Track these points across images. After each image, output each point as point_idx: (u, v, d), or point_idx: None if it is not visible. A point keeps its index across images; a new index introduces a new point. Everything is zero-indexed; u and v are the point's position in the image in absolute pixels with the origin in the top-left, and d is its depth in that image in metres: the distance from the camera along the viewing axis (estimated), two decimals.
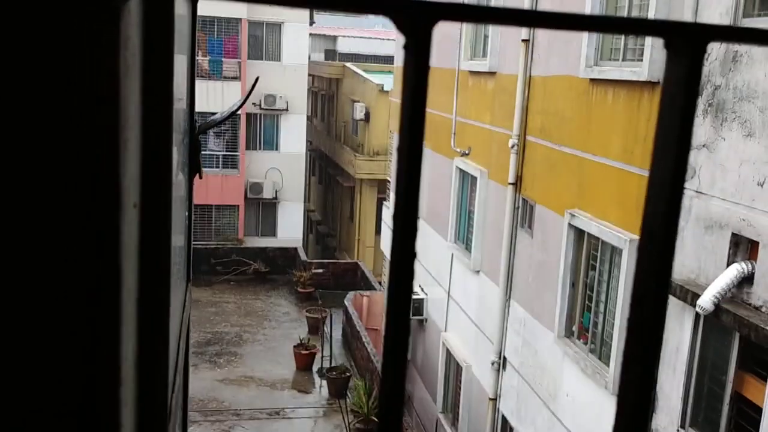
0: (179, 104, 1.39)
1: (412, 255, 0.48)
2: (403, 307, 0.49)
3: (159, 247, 0.69)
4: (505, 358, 10.41)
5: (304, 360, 16.86)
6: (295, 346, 17.08)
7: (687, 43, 0.48)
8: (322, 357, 16.72)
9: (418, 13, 0.44)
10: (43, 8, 0.39)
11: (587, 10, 8.14)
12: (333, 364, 16.46)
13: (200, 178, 1.68)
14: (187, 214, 1.59)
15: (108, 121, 0.41)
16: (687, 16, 6.49)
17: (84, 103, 0.40)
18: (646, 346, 0.51)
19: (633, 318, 0.53)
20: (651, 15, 7.00)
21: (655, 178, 0.51)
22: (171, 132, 0.73)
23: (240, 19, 24.26)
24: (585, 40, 8.19)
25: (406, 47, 0.45)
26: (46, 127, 0.40)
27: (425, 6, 0.44)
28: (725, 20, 6.05)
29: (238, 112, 24.25)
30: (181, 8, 1.14)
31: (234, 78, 24.24)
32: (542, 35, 9.47)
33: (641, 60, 7.28)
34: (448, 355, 12.61)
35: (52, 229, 0.41)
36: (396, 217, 0.47)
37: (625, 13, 7.73)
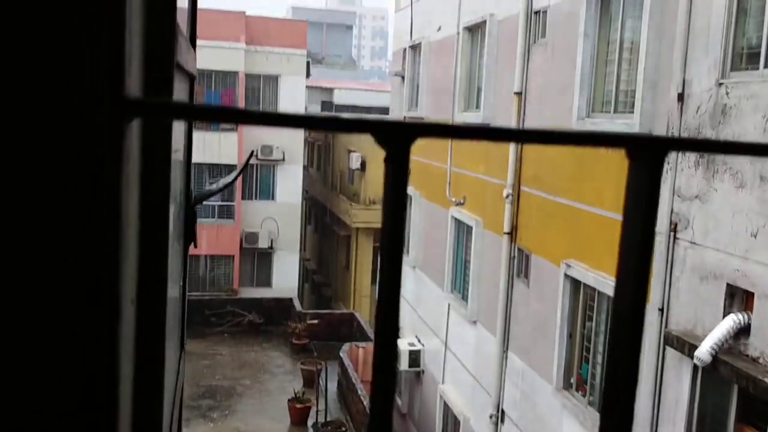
0: (177, 175, 1.43)
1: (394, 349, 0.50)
2: (390, 359, 0.51)
3: (154, 341, 0.72)
4: (503, 411, 10.27)
5: (299, 414, 16.58)
6: (289, 400, 16.82)
7: (647, 154, 0.52)
8: (317, 411, 16.45)
9: (397, 132, 0.48)
10: (51, 128, 0.43)
11: (578, 67, 8.32)
12: (328, 419, 16.18)
13: (195, 247, 1.71)
14: (181, 284, 1.62)
15: (109, 233, 0.44)
16: (676, 70, 6.65)
17: (85, 221, 0.43)
18: (621, 396, 0.53)
19: (609, 368, 0.55)
20: (641, 69, 7.16)
21: (621, 275, 0.54)
22: (167, 230, 0.77)
23: (237, 72, 24.67)
24: (577, 91, 8.36)
25: (386, 160, 0.49)
26: (55, 243, 0.43)
27: (403, 126, 0.48)
28: (713, 74, 6.19)
29: (235, 164, 24.42)
30: (179, 92, 1.19)
31: (231, 129, 24.50)
32: (534, 87, 9.66)
33: (632, 112, 7.41)
34: (446, 408, 12.44)
35: (50, 330, 0.44)
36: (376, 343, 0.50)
37: (614, 69, 7.91)
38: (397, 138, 0.47)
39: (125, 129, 0.44)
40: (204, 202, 26.55)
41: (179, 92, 1.16)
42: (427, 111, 13.82)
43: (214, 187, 3.20)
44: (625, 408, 0.53)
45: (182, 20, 1.37)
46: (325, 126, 0.50)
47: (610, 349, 0.54)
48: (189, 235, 1.60)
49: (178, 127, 1.34)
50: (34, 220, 0.42)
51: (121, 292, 0.47)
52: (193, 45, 1.60)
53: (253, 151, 4.68)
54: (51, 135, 0.41)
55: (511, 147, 9.99)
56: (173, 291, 1.30)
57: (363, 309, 24.17)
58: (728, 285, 5.85)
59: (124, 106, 0.42)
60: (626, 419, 0.53)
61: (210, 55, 23.79)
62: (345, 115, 0.46)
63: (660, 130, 6.73)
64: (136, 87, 0.61)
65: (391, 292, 0.50)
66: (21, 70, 0.41)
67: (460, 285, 12.27)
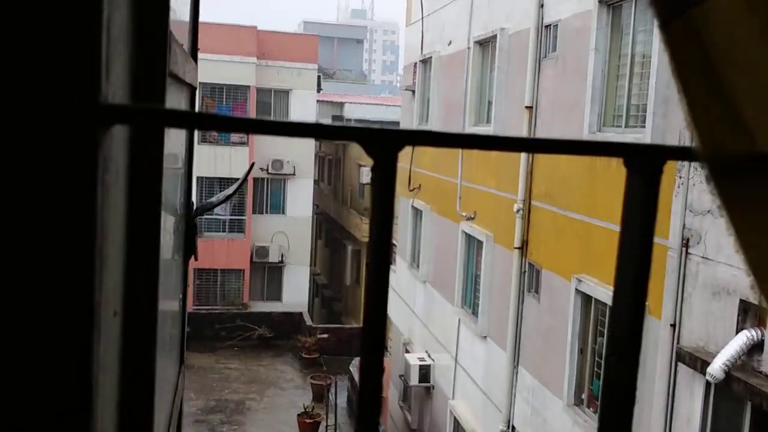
0: (177, 186, 1.43)
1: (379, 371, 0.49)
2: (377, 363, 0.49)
3: (144, 353, 0.70)
4: (513, 427, 10.17)
5: (309, 429, 16.50)
6: (299, 415, 16.75)
7: (644, 163, 0.50)
8: (327, 426, 16.37)
9: (384, 140, 0.46)
10: (21, 132, 0.42)
11: (589, 81, 8.30)
12: None
13: (195, 260, 1.70)
14: (181, 296, 1.61)
15: (82, 241, 0.43)
16: None
17: (57, 224, 0.42)
18: (619, 403, 0.51)
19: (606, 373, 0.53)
20: (652, 83, 7.14)
21: (618, 289, 0.52)
22: (158, 241, 0.76)
23: (249, 86, 24.83)
24: (588, 106, 8.33)
25: (373, 169, 0.48)
26: (25, 250, 0.42)
27: (390, 134, 0.47)
28: None
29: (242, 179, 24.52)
30: (175, 101, 1.19)
31: (242, 143, 24.63)
32: (545, 101, 9.65)
33: (644, 126, 7.38)
34: (456, 423, 12.33)
35: (21, 344, 0.43)
36: (363, 341, 0.48)
37: (626, 83, 7.88)
38: (383, 146, 0.46)
39: (102, 135, 0.43)
40: (215, 217, 26.64)
41: (175, 102, 1.15)
42: (438, 125, 13.83)
43: (214, 199, 3.20)
44: (624, 417, 0.51)
45: (182, 32, 1.37)
46: (309, 134, 0.49)
47: (606, 360, 0.52)
48: (189, 248, 1.59)
49: (178, 139, 1.34)
50: (2, 227, 0.41)
51: (99, 303, 0.45)
52: (195, 57, 1.60)
53: (253, 163, 4.70)
54: (21, 139, 0.40)
55: (522, 161, 9.96)
56: (170, 304, 1.29)
57: None
58: (741, 301, 5.77)
59: (99, 112, 0.41)
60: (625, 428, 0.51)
61: (221, 69, 23.99)
62: (328, 122, 0.45)
63: (673, 143, 6.69)
64: (122, 94, 0.60)
65: (378, 302, 0.48)
66: None
67: (470, 300, 12.20)
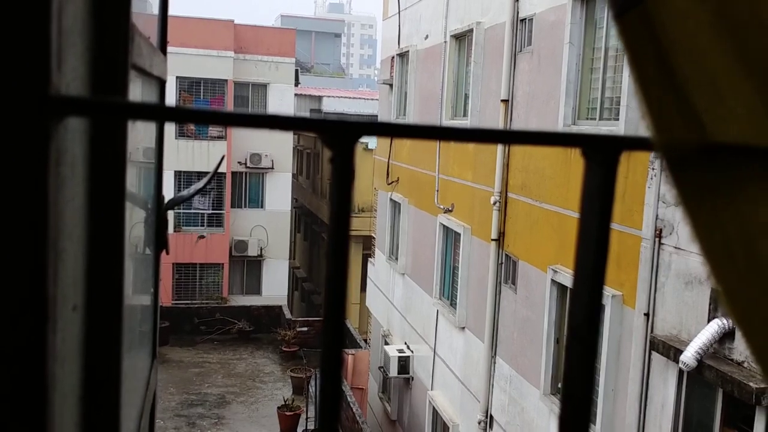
0: (146, 178, 1.41)
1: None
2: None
3: (108, 348, 0.70)
4: (491, 417, 10.26)
5: (289, 422, 16.49)
6: (279, 407, 16.74)
7: (601, 152, 0.51)
8: (307, 418, 16.38)
9: (340, 131, 0.46)
10: None
11: (563, 75, 8.36)
12: (318, 426, 16.10)
13: (167, 254, 1.69)
14: (153, 290, 1.60)
15: (33, 234, 0.43)
16: None
17: (6, 217, 0.41)
18: (577, 391, 0.52)
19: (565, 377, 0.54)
20: (626, 76, 7.21)
21: (578, 277, 0.53)
22: (122, 234, 0.75)
23: (226, 80, 24.64)
24: (563, 99, 8.39)
25: (331, 160, 0.48)
26: None
27: (346, 125, 0.47)
28: None
29: (224, 172, 24.37)
30: (142, 94, 1.17)
31: (219, 138, 24.45)
32: (521, 94, 9.70)
33: (617, 119, 7.45)
34: (435, 413, 12.41)
35: None
36: (325, 321, 0.49)
37: (600, 76, 7.95)
38: (340, 137, 0.46)
39: (54, 127, 0.42)
40: (193, 211, 26.43)
41: (142, 95, 1.14)
42: (415, 118, 13.84)
43: (185, 193, 3.19)
44: (582, 403, 0.52)
45: (149, 25, 1.35)
46: (269, 125, 0.49)
47: (567, 348, 0.53)
48: (160, 242, 1.58)
49: (147, 132, 1.32)
50: None
51: (54, 297, 0.45)
52: (164, 50, 1.59)
53: (223, 156, 4.68)
54: None
55: (499, 154, 10.01)
56: (140, 298, 1.28)
57: (352, 317, 24.11)
58: (713, 290, 5.87)
59: (49, 104, 0.41)
60: (583, 412, 0.52)
61: (199, 63, 23.77)
62: (286, 114, 0.45)
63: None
64: (79, 86, 0.59)
65: (336, 297, 0.48)
66: None
67: (448, 291, 12.26)
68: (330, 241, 0.47)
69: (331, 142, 0.46)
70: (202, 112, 0.44)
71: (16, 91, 0.40)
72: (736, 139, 0.48)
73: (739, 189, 0.48)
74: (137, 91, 1.04)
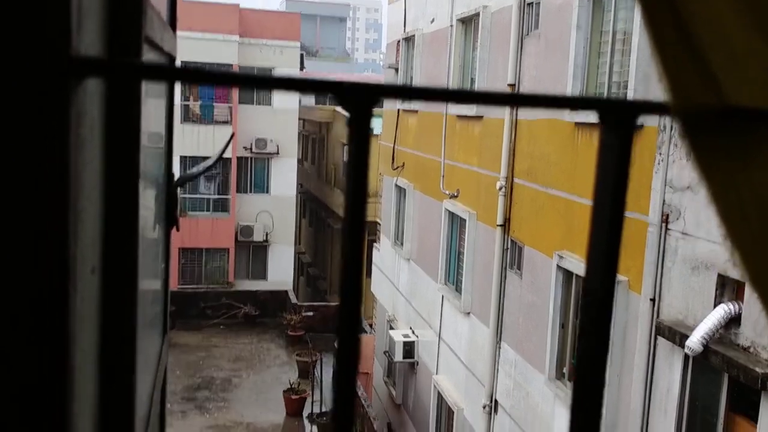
0: (156, 158, 1.42)
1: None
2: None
3: (123, 309, 0.71)
4: (496, 401, 10.31)
5: (295, 405, 16.62)
6: (285, 391, 16.85)
7: (618, 116, 0.51)
8: (313, 401, 16.49)
9: (359, 93, 0.46)
10: None
11: (570, 58, 8.30)
12: (324, 409, 16.22)
13: (177, 230, 1.70)
14: (164, 265, 1.61)
15: (55, 193, 0.43)
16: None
17: (29, 175, 0.42)
18: (592, 373, 0.52)
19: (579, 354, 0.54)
20: (633, 60, 7.16)
21: (593, 244, 0.53)
22: (137, 194, 0.75)
23: (231, 65, 24.58)
24: (570, 83, 8.35)
25: (349, 123, 0.48)
26: None
27: (364, 87, 0.47)
28: None
29: (229, 157, 24.38)
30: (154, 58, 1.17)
31: (225, 122, 24.44)
32: (528, 78, 9.65)
33: None
34: (440, 398, 12.47)
35: None
36: (342, 283, 0.49)
37: (607, 60, 7.90)
38: (358, 99, 0.46)
39: (74, 88, 0.43)
40: (199, 196, 26.44)
41: None
42: (421, 103, 13.79)
43: (195, 170, 3.21)
44: (596, 386, 0.52)
45: (161, 2, 1.35)
46: (281, 86, 0.49)
47: (581, 328, 0.53)
48: (170, 219, 1.59)
49: (158, 109, 1.32)
50: None
51: (74, 256, 0.45)
52: (173, 29, 1.58)
53: (233, 134, 4.68)
54: None
55: (504, 139, 9.98)
56: (154, 272, 1.28)
57: None
58: (719, 275, 5.86)
59: (70, 64, 0.41)
60: (596, 401, 0.52)
61: (204, 47, 23.70)
62: (298, 76, 0.45)
63: (652, 121, 6.72)
64: (95, 52, 0.59)
65: (353, 269, 0.48)
66: None
67: (453, 277, 12.27)
68: (347, 203, 0.47)
69: (349, 104, 0.46)
70: (217, 74, 0.45)
71: (39, 51, 0.40)
72: (750, 103, 0.48)
73: (753, 154, 0.49)
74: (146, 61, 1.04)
